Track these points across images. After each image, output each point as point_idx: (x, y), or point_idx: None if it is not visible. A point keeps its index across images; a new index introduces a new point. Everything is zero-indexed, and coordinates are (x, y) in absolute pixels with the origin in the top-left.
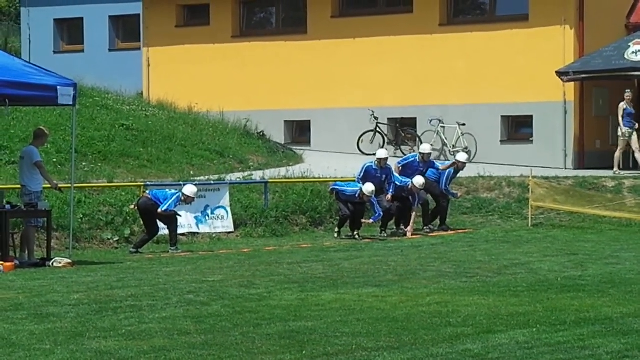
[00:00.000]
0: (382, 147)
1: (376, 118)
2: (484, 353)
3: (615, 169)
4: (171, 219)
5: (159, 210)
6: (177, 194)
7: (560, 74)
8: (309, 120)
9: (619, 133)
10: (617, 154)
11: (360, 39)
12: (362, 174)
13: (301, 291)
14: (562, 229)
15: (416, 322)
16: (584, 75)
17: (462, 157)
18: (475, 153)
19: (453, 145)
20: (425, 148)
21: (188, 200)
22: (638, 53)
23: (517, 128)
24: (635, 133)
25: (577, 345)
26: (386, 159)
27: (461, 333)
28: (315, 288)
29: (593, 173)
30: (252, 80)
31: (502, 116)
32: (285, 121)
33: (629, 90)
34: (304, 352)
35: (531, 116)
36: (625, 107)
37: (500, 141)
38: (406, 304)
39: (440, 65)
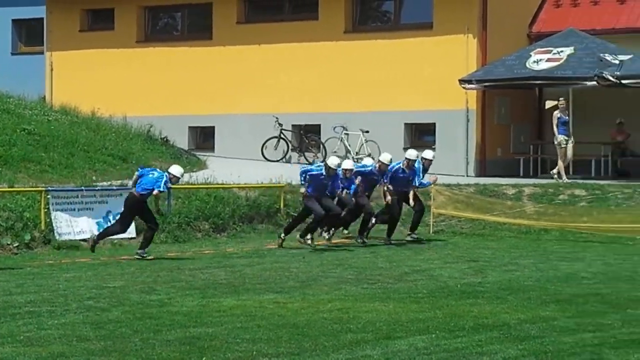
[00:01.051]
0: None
1: (280, 125)
2: (384, 359)
3: (564, 178)
4: (153, 220)
5: (155, 191)
6: (165, 174)
7: (463, 82)
8: (213, 126)
9: (555, 142)
10: (560, 163)
11: (265, 46)
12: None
13: (202, 297)
14: (462, 236)
15: (317, 328)
16: (486, 84)
17: (428, 154)
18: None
19: (357, 152)
20: (411, 154)
21: (174, 180)
22: (539, 62)
23: (420, 135)
24: (570, 142)
25: (475, 351)
26: (352, 170)
27: (361, 339)
28: (216, 294)
29: (494, 180)
30: (156, 85)
31: (405, 123)
32: (190, 127)
33: (562, 99)
34: (203, 359)
35: (434, 124)
36: (559, 115)
37: (404, 148)
38: (307, 310)
39: (344, 72)
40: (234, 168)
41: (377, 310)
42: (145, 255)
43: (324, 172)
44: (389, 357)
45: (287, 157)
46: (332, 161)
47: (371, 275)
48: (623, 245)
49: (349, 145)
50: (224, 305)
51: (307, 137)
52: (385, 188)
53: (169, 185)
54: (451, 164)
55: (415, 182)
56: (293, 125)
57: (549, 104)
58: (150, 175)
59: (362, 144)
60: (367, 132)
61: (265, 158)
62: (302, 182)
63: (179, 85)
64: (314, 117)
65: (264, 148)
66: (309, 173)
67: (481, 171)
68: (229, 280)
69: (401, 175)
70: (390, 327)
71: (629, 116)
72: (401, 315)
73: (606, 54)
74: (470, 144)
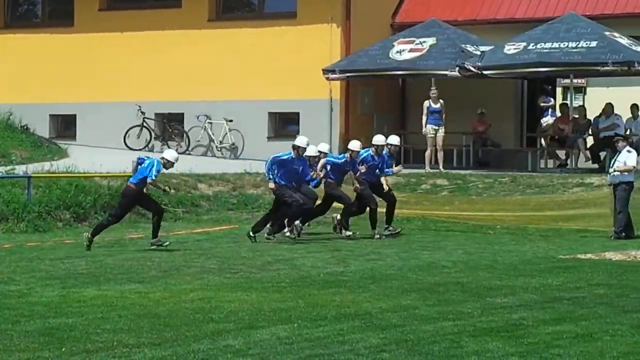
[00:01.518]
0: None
1: (143, 113)
2: (245, 349)
3: (427, 168)
4: (156, 206)
5: (148, 180)
6: (156, 161)
7: (326, 72)
8: (75, 115)
9: (424, 131)
10: (428, 152)
11: (127, 33)
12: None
13: (62, 287)
14: (326, 225)
15: (179, 318)
16: (349, 74)
17: (394, 139)
18: (242, 149)
19: (220, 142)
20: (379, 140)
21: (168, 165)
22: (402, 52)
23: (284, 125)
24: (441, 131)
25: (337, 340)
26: (304, 149)
27: (223, 329)
28: (77, 284)
29: None
30: (16, 72)
31: (269, 113)
32: (51, 115)
33: (434, 88)
34: (63, 349)
35: (298, 113)
36: (429, 104)
37: (267, 137)
38: (169, 300)
39: (208, 61)
40: (96, 157)
41: (239, 299)
42: (160, 243)
43: (292, 155)
44: (250, 346)
45: (150, 145)
46: (302, 140)
47: (234, 264)
48: (483, 234)
49: (213, 134)
50: (85, 295)
51: (170, 125)
52: (357, 176)
53: (162, 171)
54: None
55: (384, 170)
56: (156, 114)
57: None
58: (144, 165)
59: (226, 133)
60: (231, 121)
61: (128, 147)
62: (269, 175)
63: (40, 73)
64: (177, 105)
65: (127, 137)
66: (278, 159)
67: None
68: (89, 270)
69: (370, 162)
70: (252, 317)
71: (490, 107)
72: (263, 305)
73: (468, 45)
74: (334, 134)
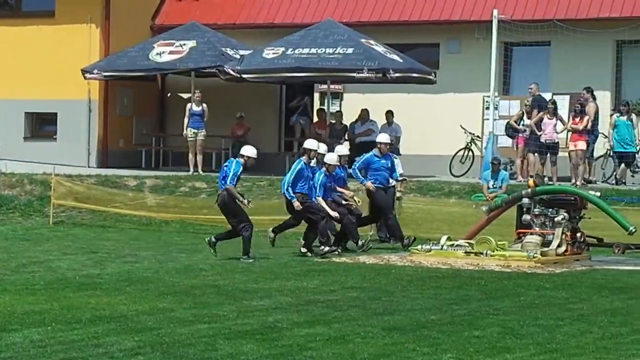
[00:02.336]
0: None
1: None
2: None
3: (191, 170)
4: (238, 212)
5: (227, 185)
6: (236, 162)
7: (85, 72)
8: None
9: (184, 134)
10: (190, 156)
11: None
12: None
13: None
14: (83, 227)
15: None
16: (108, 74)
17: (383, 137)
18: None
19: None
20: (384, 137)
21: (249, 162)
22: (162, 54)
23: (42, 125)
24: (201, 134)
25: (91, 343)
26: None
27: None
28: None
29: (116, 172)
30: None
31: (26, 112)
32: None
33: (198, 91)
34: None
35: (56, 113)
36: (190, 107)
37: (24, 138)
38: None
39: None
40: None
41: None
42: (248, 259)
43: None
44: (2, 350)
45: None
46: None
47: None
48: None
49: None
50: None
51: None
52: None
53: (240, 172)
54: (73, 155)
55: (395, 176)
56: None
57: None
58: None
59: None
60: None
61: None
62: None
63: None
64: None
65: None
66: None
67: (103, 162)
68: None
69: (377, 162)
70: (5, 320)
71: (251, 111)
72: (17, 307)
73: (228, 48)
74: (92, 135)
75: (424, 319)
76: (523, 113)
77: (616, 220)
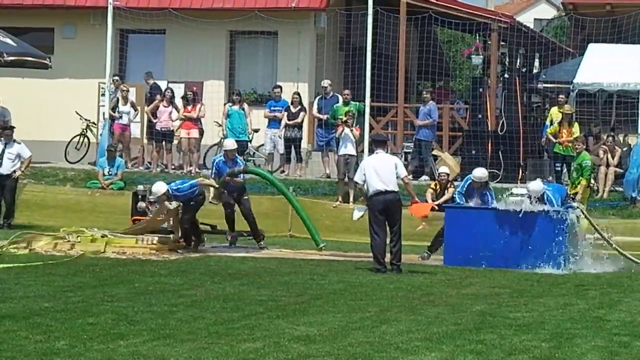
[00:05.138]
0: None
1: None
2: None
3: None
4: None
5: (222, 178)
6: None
7: None
8: None
9: None
10: None
11: None
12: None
13: None
14: None
15: None
16: None
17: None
18: None
19: None
20: (481, 172)
21: (230, 155)
22: None
23: None
24: None
25: None
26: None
27: None
28: None
29: None
30: None
31: None
32: None
33: None
34: None
35: None
36: None
37: None
38: None
39: None
40: None
41: None
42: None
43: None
44: None
45: None
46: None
47: None
48: None
49: None
50: None
51: None
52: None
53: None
54: None
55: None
56: None
57: None
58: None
59: None
60: None
61: None
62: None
63: None
64: None
65: None
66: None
67: None
68: None
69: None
70: None
71: None
72: None
73: None
74: None
75: (37, 306)
76: (118, 100)
77: (306, 226)
